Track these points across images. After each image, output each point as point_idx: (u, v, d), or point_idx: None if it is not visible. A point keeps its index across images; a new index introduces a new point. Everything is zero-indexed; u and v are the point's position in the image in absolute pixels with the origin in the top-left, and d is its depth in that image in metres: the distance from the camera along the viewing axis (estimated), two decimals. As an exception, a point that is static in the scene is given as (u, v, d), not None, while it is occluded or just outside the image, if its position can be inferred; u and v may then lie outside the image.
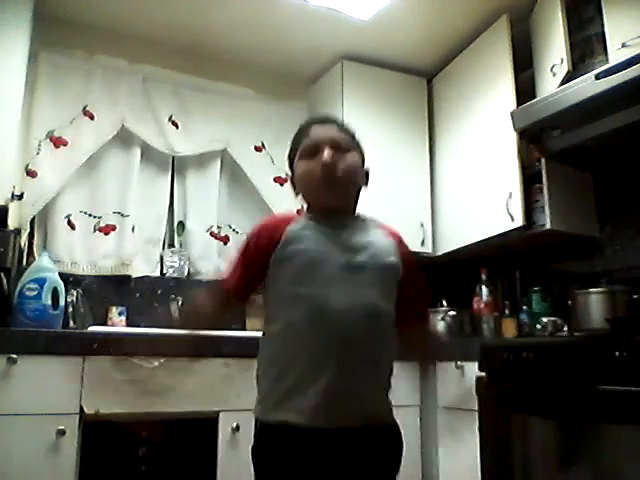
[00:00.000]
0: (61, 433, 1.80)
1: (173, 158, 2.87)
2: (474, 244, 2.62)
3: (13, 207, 2.30)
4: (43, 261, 2.24)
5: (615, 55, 1.97)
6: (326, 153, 1.21)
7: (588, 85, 1.96)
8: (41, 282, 2.14)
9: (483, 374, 1.93)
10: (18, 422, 1.77)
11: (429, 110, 3.05)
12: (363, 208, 1.35)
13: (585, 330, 2.13)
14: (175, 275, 2.76)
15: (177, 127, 2.84)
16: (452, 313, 2.67)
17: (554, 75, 2.22)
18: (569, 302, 2.26)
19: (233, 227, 2.97)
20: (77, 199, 2.62)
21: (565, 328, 2.26)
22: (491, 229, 2.54)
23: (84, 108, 2.64)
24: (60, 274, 2.27)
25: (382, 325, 1.21)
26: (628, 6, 2.00)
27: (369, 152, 1.38)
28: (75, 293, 2.43)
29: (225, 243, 2.93)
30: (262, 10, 2.62)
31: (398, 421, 1.26)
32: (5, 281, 2.10)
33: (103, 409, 1.87)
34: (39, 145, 2.52)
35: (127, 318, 2.56)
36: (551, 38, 2.28)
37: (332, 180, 1.22)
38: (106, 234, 2.64)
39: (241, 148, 2.97)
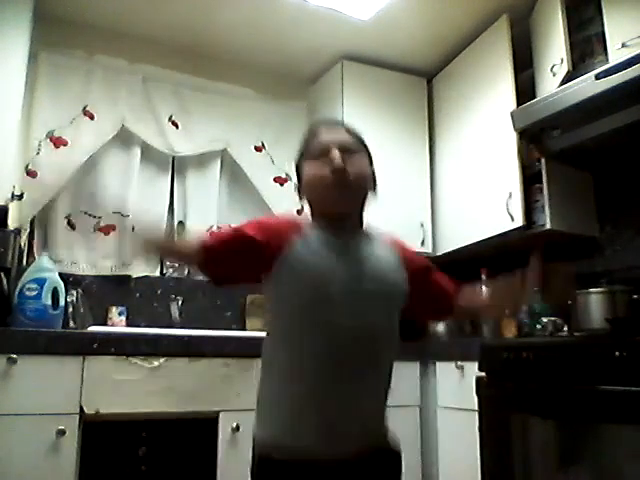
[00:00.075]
0: (61, 433, 1.80)
1: (173, 158, 2.86)
2: (474, 244, 2.63)
3: (13, 207, 2.30)
4: (43, 261, 2.24)
5: (615, 55, 1.97)
6: (336, 157, 1.19)
7: (588, 85, 1.96)
8: (41, 282, 2.14)
9: (483, 374, 1.94)
10: (18, 422, 1.77)
11: (429, 110, 3.05)
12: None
13: (585, 330, 2.13)
14: (175, 275, 2.76)
15: (177, 127, 2.84)
16: (452, 313, 2.67)
17: (554, 75, 2.22)
18: (569, 302, 2.26)
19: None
20: (77, 199, 2.62)
21: (565, 328, 2.26)
22: (491, 229, 2.54)
23: (84, 108, 2.64)
24: (60, 274, 2.26)
25: (385, 350, 1.21)
26: (628, 6, 2.00)
27: (369, 152, 1.37)
28: (75, 293, 2.43)
29: (225, 243, 2.93)
30: (262, 10, 2.62)
31: (398, 421, 1.26)
32: (5, 281, 2.10)
33: (103, 409, 1.87)
34: (39, 145, 2.52)
35: (127, 318, 2.56)
36: (551, 38, 2.28)
37: (343, 184, 1.19)
38: (106, 234, 2.64)
39: (241, 148, 2.97)
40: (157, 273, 2.75)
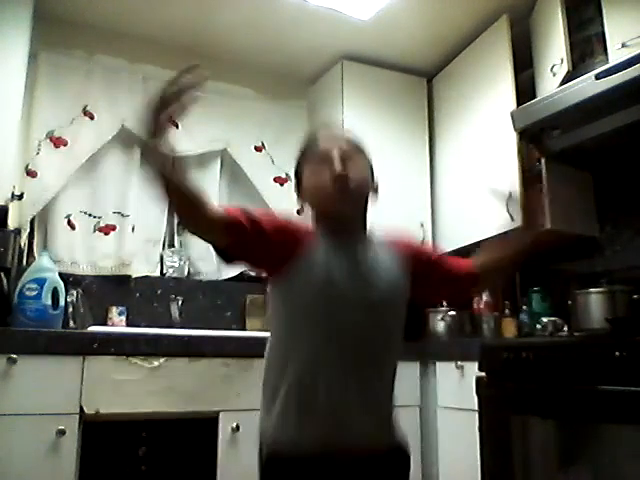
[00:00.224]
0: (61, 433, 1.80)
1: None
2: (474, 244, 2.62)
3: (13, 207, 2.30)
4: (43, 261, 2.24)
5: (615, 55, 1.97)
6: (337, 163, 1.19)
7: (588, 85, 1.96)
8: (41, 282, 2.14)
9: (483, 374, 1.93)
10: (18, 422, 1.77)
11: (429, 110, 3.05)
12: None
13: (585, 330, 2.13)
14: (175, 275, 2.76)
15: (177, 127, 2.83)
16: (452, 313, 2.67)
17: (554, 75, 2.22)
18: (569, 302, 2.26)
19: (233, 227, 2.97)
20: (77, 199, 2.62)
21: (565, 328, 2.26)
22: (491, 229, 2.53)
23: (84, 108, 2.64)
24: (60, 274, 2.26)
25: (391, 350, 1.23)
26: (628, 6, 2.00)
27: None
28: (75, 293, 2.43)
29: (225, 243, 2.93)
30: (262, 10, 2.62)
31: (399, 422, 1.27)
32: (5, 281, 2.10)
33: (103, 409, 1.87)
34: (39, 145, 2.52)
35: (127, 318, 2.56)
36: (551, 38, 2.28)
37: (345, 190, 1.19)
38: (106, 234, 2.64)
39: (241, 148, 2.97)
40: (157, 273, 2.75)
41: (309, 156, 1.27)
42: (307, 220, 1.30)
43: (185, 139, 2.83)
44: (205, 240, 1.17)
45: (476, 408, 1.93)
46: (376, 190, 1.32)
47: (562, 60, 2.17)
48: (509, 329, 2.51)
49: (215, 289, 2.80)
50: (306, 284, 1.16)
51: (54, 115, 2.57)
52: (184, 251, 2.82)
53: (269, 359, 1.22)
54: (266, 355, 1.24)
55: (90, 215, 2.64)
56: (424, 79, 3.08)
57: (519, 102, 2.41)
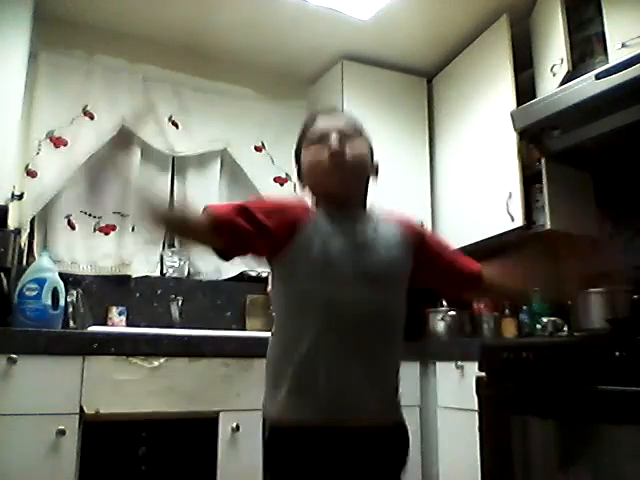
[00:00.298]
0: (61, 433, 1.80)
1: (173, 158, 2.86)
2: (474, 244, 2.62)
3: (13, 207, 2.30)
4: (43, 261, 2.24)
5: (615, 55, 1.97)
6: (334, 139, 1.20)
7: (588, 85, 1.96)
8: (41, 282, 2.14)
9: (483, 374, 1.93)
10: (18, 422, 1.77)
11: (429, 110, 3.05)
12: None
13: (585, 330, 2.13)
14: (175, 275, 2.76)
15: (177, 127, 2.84)
16: (452, 313, 2.67)
17: (554, 75, 2.22)
18: (569, 302, 2.26)
19: (233, 227, 2.97)
20: (77, 199, 2.62)
21: (565, 328, 2.26)
22: (491, 229, 2.54)
23: (84, 108, 2.64)
24: (60, 274, 2.26)
25: (393, 326, 1.23)
26: (628, 6, 2.00)
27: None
28: (75, 293, 2.43)
29: (225, 243, 2.93)
30: (262, 10, 2.62)
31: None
32: (5, 281, 2.10)
33: (103, 409, 1.87)
34: (39, 145, 2.52)
35: (127, 318, 2.56)
36: (551, 38, 2.28)
37: (341, 165, 1.20)
38: (106, 234, 2.64)
39: (241, 148, 2.97)
40: (157, 273, 2.75)
41: (308, 136, 1.27)
42: (303, 197, 1.30)
43: (185, 139, 2.84)
44: (201, 246, 1.23)
45: (476, 408, 1.93)
46: (376, 172, 1.32)
47: (562, 60, 2.17)
48: (509, 329, 2.51)
49: (215, 289, 2.80)
50: (304, 266, 1.17)
51: (54, 115, 2.57)
52: (184, 251, 2.82)
53: (272, 341, 1.24)
54: (270, 337, 1.25)
55: (90, 215, 2.64)
56: (424, 79, 3.08)
57: (519, 102, 2.41)
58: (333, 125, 1.25)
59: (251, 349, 2.07)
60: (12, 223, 2.32)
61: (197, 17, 2.69)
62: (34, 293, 2.12)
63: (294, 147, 1.32)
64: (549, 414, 1.72)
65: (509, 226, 2.43)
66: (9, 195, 2.19)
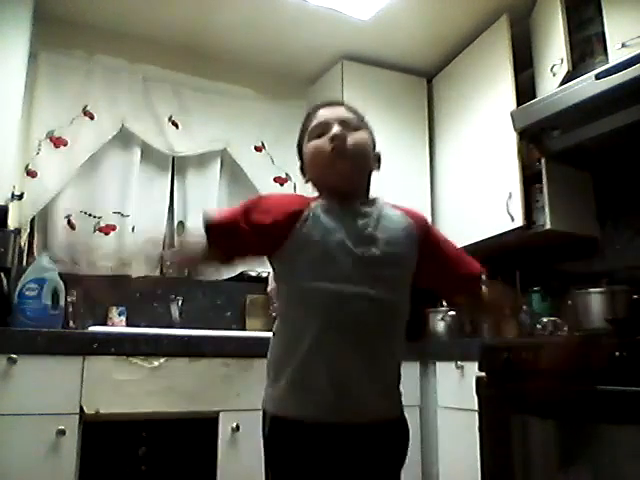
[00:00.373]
0: (61, 433, 1.80)
1: (173, 158, 2.86)
2: (474, 244, 2.62)
3: (13, 207, 2.30)
4: (43, 261, 2.24)
5: (615, 55, 1.97)
6: (335, 128, 1.21)
7: (588, 85, 1.96)
8: (41, 282, 2.14)
9: (483, 374, 1.94)
10: (18, 422, 1.77)
11: (429, 110, 3.05)
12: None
13: (585, 330, 2.13)
14: (175, 275, 2.76)
15: (177, 127, 2.84)
16: (452, 313, 2.67)
17: (554, 75, 2.22)
18: (569, 302, 2.26)
19: (233, 227, 2.97)
20: (77, 199, 2.62)
21: (565, 328, 2.26)
22: (491, 229, 2.54)
23: (84, 108, 2.64)
24: (60, 274, 2.26)
25: (395, 320, 1.22)
26: (628, 6, 2.00)
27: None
28: (75, 293, 2.43)
29: (225, 243, 2.93)
30: (262, 10, 2.62)
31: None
32: (5, 281, 2.10)
33: (103, 409, 1.87)
34: (39, 145, 2.52)
35: (127, 318, 2.56)
36: (551, 38, 2.28)
37: (342, 153, 1.20)
38: (106, 234, 2.64)
39: (241, 148, 2.97)
40: (157, 273, 2.75)
41: (310, 128, 1.27)
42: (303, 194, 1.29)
43: (185, 139, 2.84)
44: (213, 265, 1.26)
45: (476, 408, 1.94)
46: (378, 163, 1.32)
47: (562, 60, 2.17)
48: (509, 329, 2.51)
49: (215, 289, 2.80)
50: (303, 261, 1.16)
51: (54, 115, 2.57)
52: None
53: (273, 340, 1.23)
54: (271, 337, 1.25)
55: (90, 215, 2.64)
56: (424, 79, 3.08)
57: (519, 102, 2.41)
58: (335, 115, 1.25)
59: (251, 349, 2.07)
60: (12, 223, 2.32)
61: (197, 17, 2.69)
62: (34, 293, 2.12)
63: (296, 141, 1.33)
64: (549, 414, 1.72)
65: (509, 226, 2.43)
66: (9, 195, 2.19)
